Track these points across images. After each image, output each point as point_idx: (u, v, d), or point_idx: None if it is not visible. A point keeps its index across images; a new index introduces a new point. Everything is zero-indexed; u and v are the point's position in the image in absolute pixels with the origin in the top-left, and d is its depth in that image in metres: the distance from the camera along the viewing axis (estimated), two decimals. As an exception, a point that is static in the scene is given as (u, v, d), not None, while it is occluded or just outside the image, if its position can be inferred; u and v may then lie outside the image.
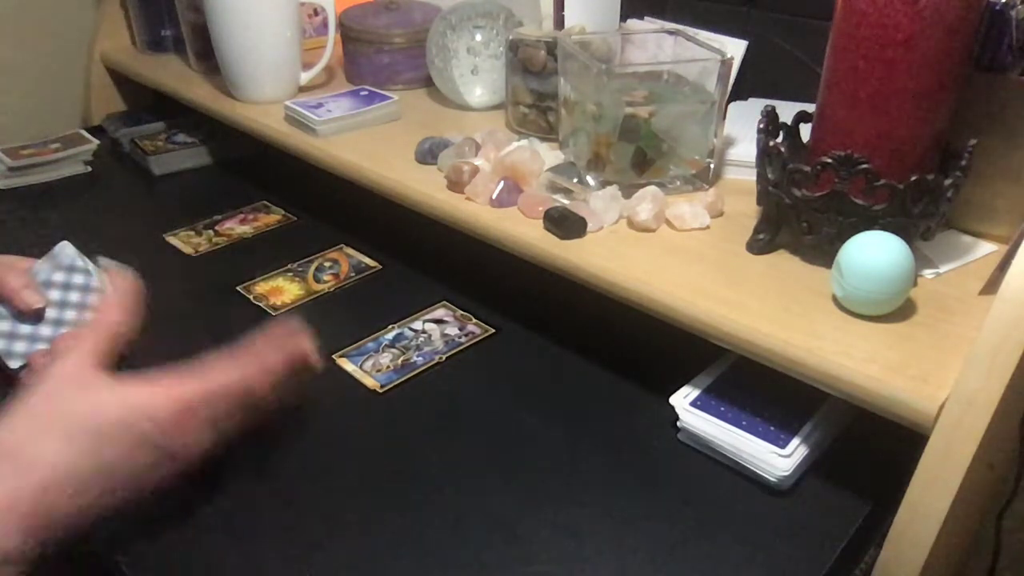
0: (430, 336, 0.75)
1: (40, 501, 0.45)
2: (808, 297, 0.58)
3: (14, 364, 0.64)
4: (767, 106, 0.64)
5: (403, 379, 0.69)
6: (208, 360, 0.53)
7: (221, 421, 0.52)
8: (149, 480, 0.49)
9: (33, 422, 0.47)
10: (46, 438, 0.47)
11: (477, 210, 0.71)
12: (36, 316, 0.65)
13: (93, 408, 0.48)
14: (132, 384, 0.50)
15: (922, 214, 0.57)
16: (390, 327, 0.76)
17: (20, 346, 0.64)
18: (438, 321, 0.77)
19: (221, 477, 0.58)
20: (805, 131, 0.65)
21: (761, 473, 0.57)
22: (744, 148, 0.74)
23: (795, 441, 0.58)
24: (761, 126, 0.63)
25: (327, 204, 0.95)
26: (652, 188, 0.68)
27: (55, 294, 0.65)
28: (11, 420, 0.47)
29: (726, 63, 0.69)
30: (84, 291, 0.66)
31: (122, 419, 0.48)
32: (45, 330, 0.65)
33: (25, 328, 0.65)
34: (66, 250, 0.67)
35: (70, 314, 0.65)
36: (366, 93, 0.92)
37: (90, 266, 0.67)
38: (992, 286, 0.53)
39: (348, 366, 0.70)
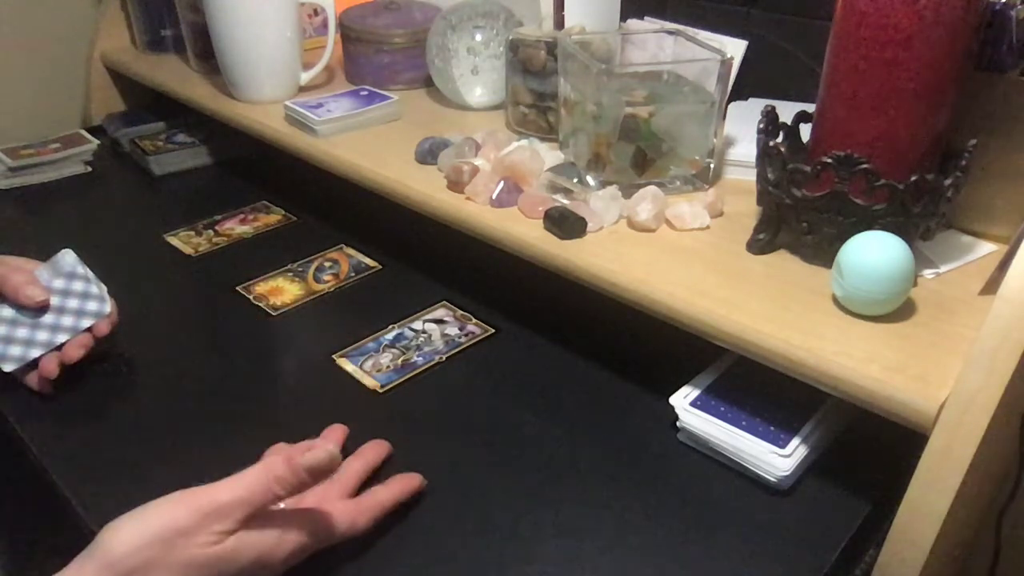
0: (430, 336, 0.75)
1: None
2: (808, 297, 0.58)
3: (8, 367, 0.64)
4: (767, 106, 0.64)
5: (403, 379, 0.69)
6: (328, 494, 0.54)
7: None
8: None
9: (156, 554, 0.44)
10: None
11: (477, 210, 0.71)
12: (38, 312, 0.65)
13: (220, 561, 0.46)
14: (261, 533, 0.48)
15: (922, 214, 0.57)
16: (390, 327, 0.76)
17: (15, 350, 0.64)
18: (438, 321, 0.77)
19: (220, 478, 0.58)
20: (805, 131, 0.65)
21: (761, 473, 0.57)
22: (744, 148, 0.74)
23: (795, 441, 0.58)
24: (761, 126, 0.63)
25: (327, 204, 0.95)
26: (652, 188, 0.68)
27: (54, 300, 0.66)
28: (135, 538, 0.44)
29: (726, 63, 0.69)
30: (83, 298, 0.66)
31: (248, 567, 0.47)
32: (42, 335, 0.65)
33: (21, 333, 0.65)
34: (67, 257, 0.67)
35: (67, 320, 0.65)
36: (366, 93, 0.92)
37: (90, 274, 0.67)
38: (992, 286, 0.53)
39: (348, 366, 0.70)
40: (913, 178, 0.56)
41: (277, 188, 1.02)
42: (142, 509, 0.45)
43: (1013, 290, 0.45)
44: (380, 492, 0.55)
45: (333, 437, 0.60)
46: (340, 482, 0.55)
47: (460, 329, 0.76)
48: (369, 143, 0.84)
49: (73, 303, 0.66)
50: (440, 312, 0.78)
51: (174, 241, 0.91)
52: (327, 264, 0.86)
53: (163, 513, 0.45)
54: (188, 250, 0.89)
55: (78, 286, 0.67)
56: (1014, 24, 0.58)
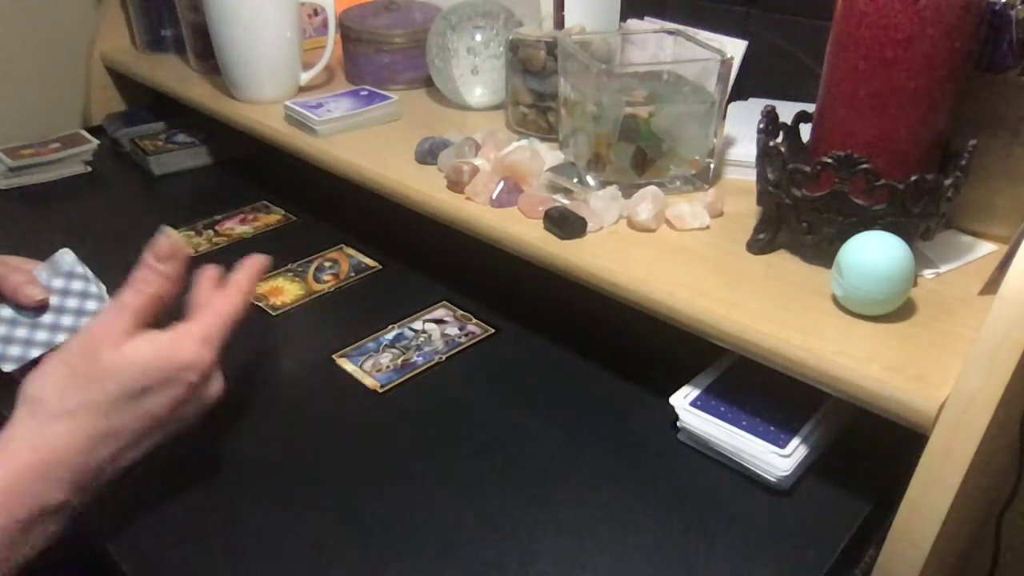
0: (430, 336, 0.75)
1: (88, 455, 0.49)
2: (808, 297, 0.58)
3: (7, 367, 0.64)
4: (767, 106, 0.64)
5: (403, 379, 0.69)
6: (199, 296, 0.59)
7: (222, 350, 0.56)
8: (183, 422, 0.54)
9: (76, 381, 0.49)
10: (90, 395, 0.49)
11: (477, 210, 0.71)
12: (37, 311, 0.65)
13: (127, 367, 0.50)
14: (157, 338, 0.53)
15: (922, 214, 0.57)
16: (390, 327, 0.76)
17: (15, 350, 0.64)
18: (438, 321, 0.77)
19: (221, 477, 0.58)
20: (805, 131, 0.65)
21: (761, 473, 0.57)
22: (744, 148, 0.74)
23: (795, 441, 0.58)
24: (761, 126, 0.63)
25: (327, 204, 0.95)
26: (652, 188, 0.68)
27: (53, 300, 0.66)
28: (54, 378, 0.50)
29: (726, 63, 0.69)
30: (82, 298, 0.66)
31: (154, 372, 0.51)
32: (41, 335, 0.65)
33: (21, 332, 0.64)
34: (66, 257, 0.67)
35: (67, 320, 0.65)
36: (366, 93, 0.92)
37: (89, 273, 0.67)
38: (992, 286, 0.53)
39: (348, 366, 0.70)
40: (913, 178, 0.56)
41: (277, 188, 1.02)
42: (47, 358, 0.51)
43: (1013, 290, 0.45)
44: (239, 273, 0.60)
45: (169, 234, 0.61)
46: (203, 280, 0.60)
47: (460, 329, 0.76)
48: (369, 143, 0.84)
49: (72, 303, 0.66)
50: (440, 312, 0.78)
51: (174, 241, 0.91)
52: (327, 264, 0.86)
53: (62, 350, 0.51)
54: (188, 250, 0.89)
55: (77, 285, 0.67)
56: (1014, 24, 0.58)
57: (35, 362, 0.65)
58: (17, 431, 0.48)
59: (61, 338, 0.65)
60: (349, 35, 0.98)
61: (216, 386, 0.56)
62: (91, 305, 0.66)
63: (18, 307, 0.65)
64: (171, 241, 0.55)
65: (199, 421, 0.55)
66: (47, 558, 0.49)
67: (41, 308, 0.65)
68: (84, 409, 0.49)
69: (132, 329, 0.52)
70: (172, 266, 0.55)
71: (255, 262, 0.62)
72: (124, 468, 0.52)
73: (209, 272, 0.61)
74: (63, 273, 0.66)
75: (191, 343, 0.53)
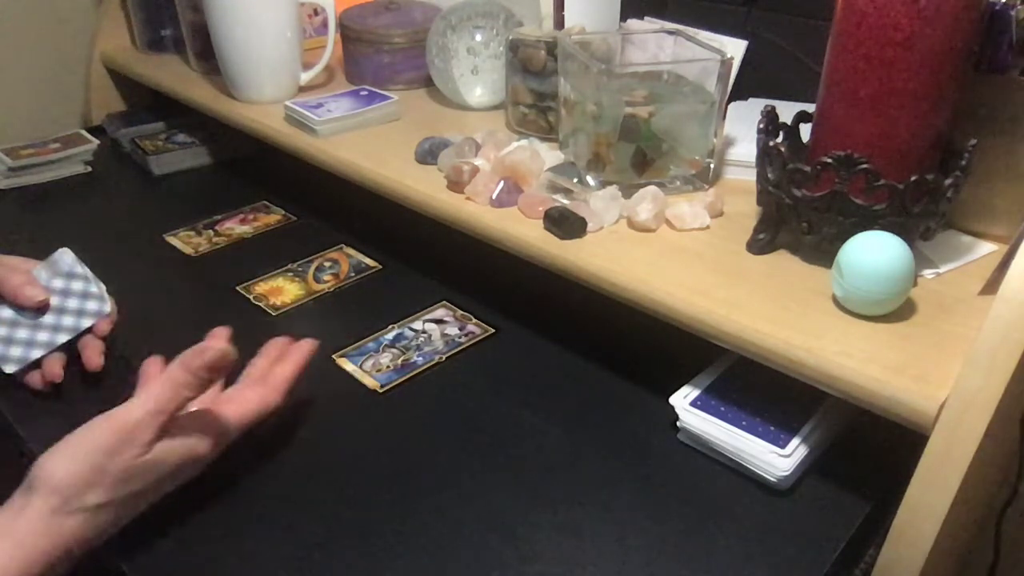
0: (430, 336, 0.75)
1: (104, 535, 0.51)
2: (808, 297, 0.58)
3: (9, 369, 0.64)
4: (767, 106, 0.64)
5: (403, 379, 0.69)
6: (239, 385, 0.61)
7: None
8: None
9: (101, 479, 0.49)
10: (114, 495, 0.50)
11: (477, 210, 0.71)
12: (38, 312, 0.65)
13: (157, 463, 0.52)
14: (182, 430, 0.54)
15: (922, 214, 0.57)
16: (390, 327, 0.76)
17: (16, 351, 0.64)
18: (438, 321, 0.77)
19: (221, 477, 0.58)
20: (805, 131, 0.65)
21: (761, 473, 0.57)
22: (744, 148, 0.74)
23: (795, 441, 0.58)
24: (761, 126, 0.63)
25: (327, 204, 0.95)
26: (652, 188, 0.68)
27: (54, 300, 0.66)
28: (76, 471, 0.49)
29: (726, 63, 0.69)
30: (83, 298, 0.66)
31: (180, 465, 0.53)
32: (42, 335, 0.65)
33: (22, 334, 0.65)
34: (65, 257, 0.67)
35: (68, 320, 0.65)
36: (366, 93, 0.92)
37: (89, 273, 0.67)
38: (992, 286, 0.53)
39: (348, 366, 0.70)
40: (913, 178, 0.56)
41: (277, 188, 1.02)
42: (67, 441, 0.50)
43: (1013, 290, 0.45)
44: (282, 367, 0.62)
45: (220, 335, 0.62)
46: (249, 375, 0.62)
47: (460, 329, 0.76)
48: (369, 143, 0.84)
49: (73, 303, 0.66)
50: (440, 312, 0.78)
51: (174, 241, 0.91)
52: (327, 264, 0.86)
53: (87, 440, 0.50)
54: (188, 250, 0.89)
55: (77, 286, 0.67)
56: (1014, 24, 0.58)
57: (36, 364, 0.65)
58: (34, 523, 0.48)
59: (62, 339, 0.65)
60: (349, 35, 0.98)
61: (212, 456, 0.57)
62: (92, 306, 0.66)
63: (18, 308, 0.65)
64: (224, 356, 0.53)
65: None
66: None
67: (42, 309, 0.65)
68: (109, 505, 0.50)
69: (163, 432, 0.52)
70: (215, 377, 0.54)
71: (302, 353, 0.64)
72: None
73: (260, 361, 0.63)
74: (63, 273, 0.66)
75: (212, 443, 0.55)
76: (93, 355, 0.67)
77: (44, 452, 0.50)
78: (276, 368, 0.62)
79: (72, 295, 0.66)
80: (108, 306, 0.68)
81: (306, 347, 0.64)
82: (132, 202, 1.03)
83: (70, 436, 0.50)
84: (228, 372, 0.56)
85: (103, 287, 0.69)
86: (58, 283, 0.66)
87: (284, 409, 0.61)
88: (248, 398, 0.59)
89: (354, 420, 0.65)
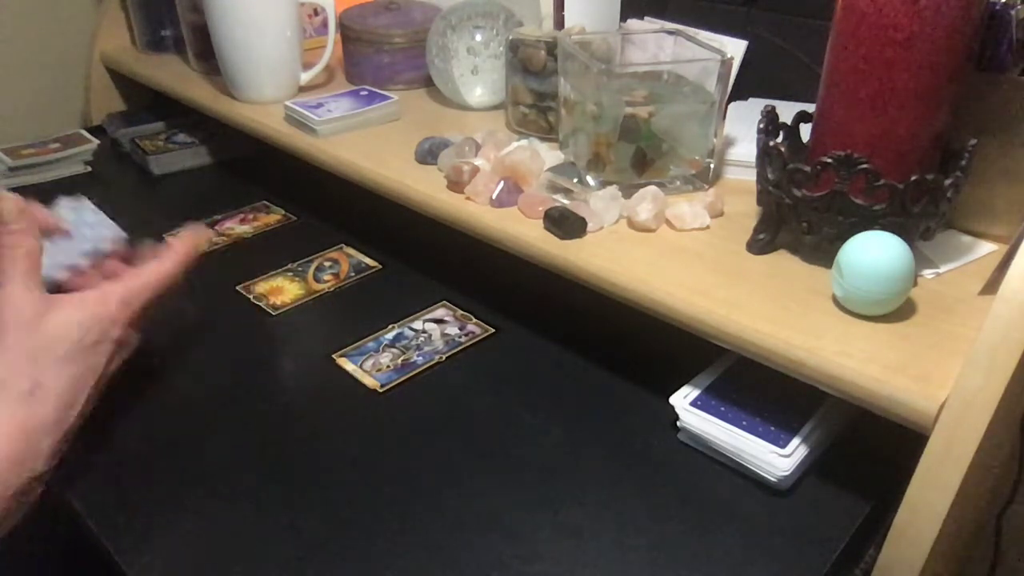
0: (430, 336, 0.75)
1: (61, 419, 0.52)
2: (808, 297, 0.58)
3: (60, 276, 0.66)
4: (767, 106, 0.64)
5: (403, 379, 0.69)
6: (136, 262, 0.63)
7: (150, 308, 0.61)
8: (108, 371, 0.57)
9: (28, 355, 0.52)
10: (47, 366, 0.52)
11: (477, 210, 0.71)
12: (52, 240, 0.67)
13: (66, 329, 0.54)
14: (83, 295, 0.56)
15: (922, 214, 0.57)
16: (390, 327, 0.76)
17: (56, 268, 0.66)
18: (438, 321, 0.77)
19: (221, 477, 0.59)
20: (805, 131, 0.65)
21: (761, 473, 0.57)
22: (744, 148, 0.74)
23: (795, 441, 0.58)
24: (761, 126, 0.63)
25: (327, 204, 0.95)
26: (652, 188, 0.68)
27: (68, 226, 0.68)
28: (3, 359, 0.51)
29: (726, 63, 0.69)
30: (95, 226, 0.70)
31: (91, 328, 0.55)
32: (61, 258, 0.67)
33: (45, 259, 0.66)
34: (67, 202, 0.70)
35: (86, 245, 0.68)
36: (366, 93, 0.92)
37: (101, 216, 0.71)
38: (992, 286, 0.53)
39: (348, 366, 0.70)
40: (913, 178, 0.56)
41: (277, 188, 1.02)
42: None
43: (1013, 290, 0.45)
44: (175, 241, 0.64)
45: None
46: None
47: (460, 329, 0.76)
48: (369, 143, 0.84)
49: (88, 230, 0.69)
50: (440, 312, 0.78)
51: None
52: (327, 264, 0.86)
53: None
54: (29, 206, 0.88)
55: (89, 218, 0.70)
56: (1014, 24, 0.58)
57: (58, 287, 0.66)
58: None
59: (83, 261, 0.66)
60: (349, 35, 0.98)
61: (133, 342, 0.60)
62: (107, 232, 0.70)
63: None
64: (8, 204, 0.55)
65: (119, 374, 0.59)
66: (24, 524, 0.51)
67: (55, 237, 0.67)
68: (48, 379, 0.52)
69: (40, 292, 0.54)
70: (25, 221, 0.56)
71: (193, 235, 0.66)
72: (79, 424, 0.55)
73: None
74: (72, 207, 0.70)
75: (114, 302, 0.57)
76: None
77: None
78: (170, 241, 0.65)
79: (85, 224, 0.69)
80: (123, 234, 0.71)
81: (199, 232, 0.67)
82: (132, 202, 1.03)
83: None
84: (25, 210, 0.57)
85: (115, 227, 0.71)
86: (70, 215, 0.69)
87: (280, 398, 0.61)
88: (145, 268, 0.61)
89: (354, 420, 0.65)
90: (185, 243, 0.64)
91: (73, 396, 0.53)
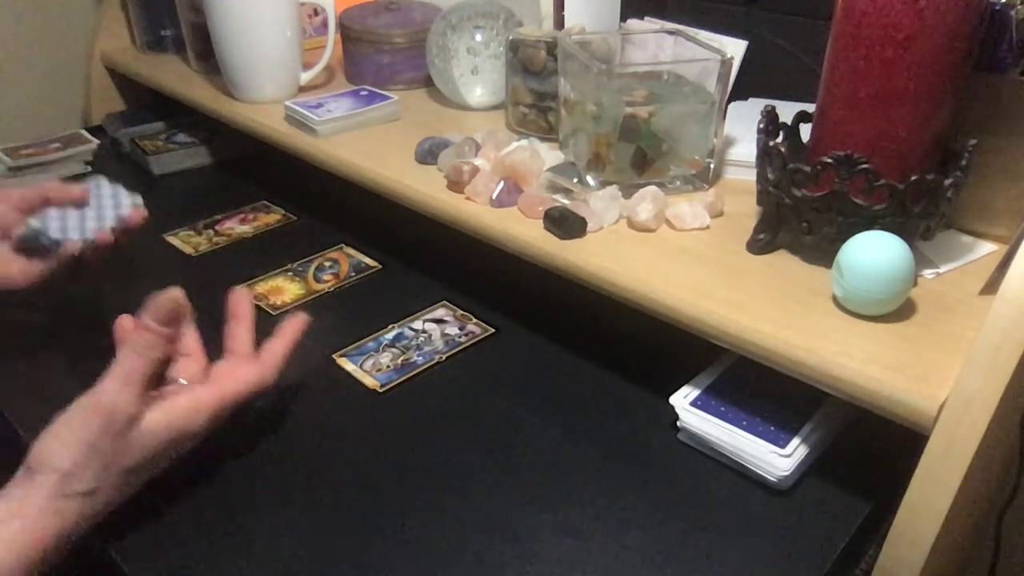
0: (430, 336, 0.75)
1: (95, 517, 0.51)
2: (808, 297, 0.58)
3: (75, 238, 0.71)
4: (767, 106, 0.64)
5: (403, 379, 0.69)
6: (230, 362, 0.61)
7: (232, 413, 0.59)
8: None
9: (99, 459, 0.50)
10: (113, 473, 0.51)
11: (477, 210, 0.71)
12: (80, 205, 0.73)
13: (149, 439, 0.52)
14: (172, 404, 0.54)
15: (922, 214, 0.57)
16: (390, 327, 0.76)
17: (74, 233, 0.71)
18: (438, 321, 0.77)
19: (221, 476, 0.58)
20: (805, 131, 0.65)
21: (761, 473, 0.57)
22: (744, 148, 0.74)
23: (795, 441, 0.58)
24: (761, 126, 0.63)
25: (327, 204, 0.95)
26: (652, 188, 0.68)
27: (91, 200, 0.74)
28: (73, 453, 0.49)
29: (726, 63, 0.69)
30: (114, 196, 0.75)
31: (173, 440, 0.54)
32: (89, 223, 0.73)
33: (72, 222, 0.72)
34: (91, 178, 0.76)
35: (108, 212, 0.73)
36: (366, 93, 0.92)
37: (118, 187, 0.75)
38: (992, 286, 0.53)
39: (348, 366, 0.70)
40: (913, 178, 0.56)
41: (277, 188, 1.02)
42: (59, 424, 0.50)
43: (1013, 290, 0.45)
44: (273, 344, 0.62)
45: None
46: (235, 349, 0.62)
47: (460, 329, 0.76)
48: (369, 143, 0.84)
49: (108, 200, 0.74)
50: (440, 312, 0.78)
51: (174, 241, 0.91)
52: (327, 264, 0.86)
53: (75, 424, 0.50)
54: (188, 250, 0.89)
55: (106, 190, 0.75)
56: (1014, 24, 0.58)
57: (93, 244, 0.71)
58: (40, 503, 0.48)
59: (109, 223, 0.73)
60: (349, 35, 0.98)
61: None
62: (125, 199, 0.75)
63: (60, 207, 0.73)
64: (173, 304, 0.54)
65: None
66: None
67: (82, 205, 0.73)
68: (108, 486, 0.51)
69: (144, 398, 0.52)
70: (174, 328, 0.54)
71: (292, 328, 0.63)
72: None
73: (240, 330, 0.62)
74: (90, 183, 0.75)
75: (205, 416, 0.55)
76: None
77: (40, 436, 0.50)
78: (269, 344, 0.62)
79: (104, 196, 0.74)
80: (140, 200, 0.75)
81: (298, 324, 0.64)
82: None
83: (61, 419, 0.51)
84: (184, 320, 0.57)
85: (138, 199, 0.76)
86: (90, 188, 0.74)
87: (282, 398, 0.61)
88: (241, 374, 0.59)
89: (354, 420, 0.65)
90: (286, 341, 0.62)
91: (121, 497, 0.52)
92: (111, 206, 0.74)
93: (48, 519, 0.48)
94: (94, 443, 0.50)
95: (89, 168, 1.06)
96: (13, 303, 0.73)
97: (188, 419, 0.54)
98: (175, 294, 0.54)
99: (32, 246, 0.72)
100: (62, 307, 0.75)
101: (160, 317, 0.53)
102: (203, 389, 0.56)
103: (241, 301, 0.64)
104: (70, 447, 0.49)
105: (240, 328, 0.63)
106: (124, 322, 0.60)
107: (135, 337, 0.53)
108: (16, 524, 0.47)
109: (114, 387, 0.51)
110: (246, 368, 0.60)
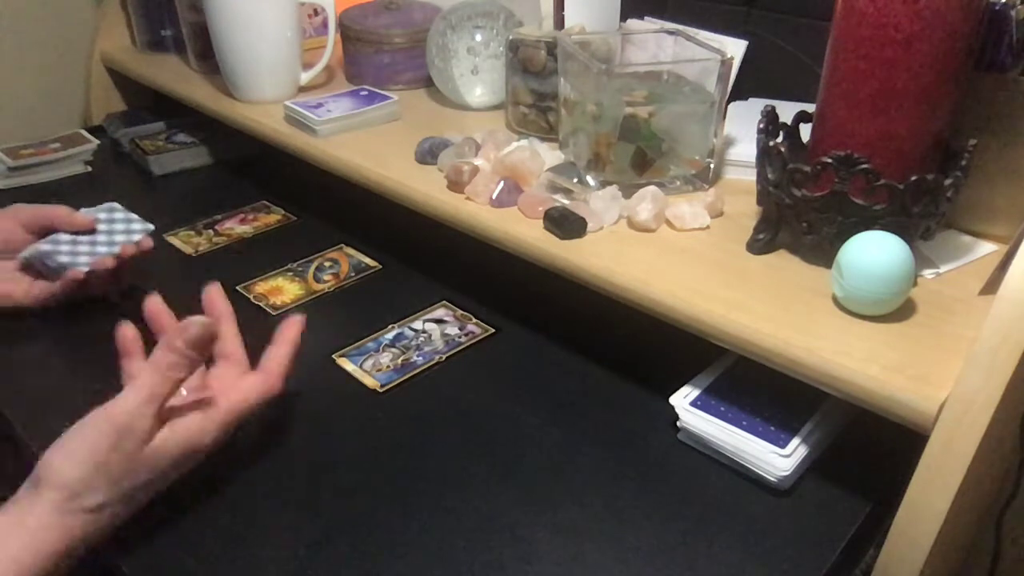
0: (430, 336, 0.75)
1: (110, 529, 0.51)
2: (808, 297, 0.58)
3: (83, 267, 0.73)
4: (767, 106, 0.64)
5: (403, 379, 0.69)
6: (226, 368, 0.60)
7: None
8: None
9: (107, 475, 0.50)
10: (121, 489, 0.50)
11: (477, 210, 0.71)
12: (88, 232, 0.75)
13: (160, 458, 0.52)
14: (182, 422, 0.54)
15: (922, 214, 0.57)
16: (390, 327, 0.76)
17: (83, 258, 0.73)
18: (438, 321, 0.77)
19: (220, 476, 0.58)
20: (805, 131, 0.65)
21: (761, 473, 0.57)
22: (744, 148, 0.74)
23: (795, 441, 0.58)
24: (761, 126, 0.63)
25: (327, 204, 0.95)
26: (652, 188, 0.68)
27: (101, 226, 0.76)
28: (82, 469, 0.49)
29: (726, 63, 0.69)
30: (127, 222, 0.77)
31: (184, 456, 0.54)
32: (100, 248, 0.74)
33: (82, 247, 0.74)
34: (106, 204, 0.78)
35: (119, 237, 0.75)
36: (366, 93, 0.92)
37: (131, 215, 0.78)
38: (992, 286, 0.53)
39: (348, 366, 0.70)
40: (913, 178, 0.56)
41: (277, 188, 1.02)
42: (68, 437, 0.50)
43: (1013, 290, 0.45)
44: (275, 351, 0.61)
45: (215, 294, 0.64)
46: (234, 362, 0.61)
47: (460, 329, 0.76)
48: (369, 143, 0.84)
49: (119, 226, 0.76)
50: (440, 312, 0.78)
51: (174, 241, 0.91)
52: (327, 264, 0.86)
53: (87, 438, 0.50)
54: (188, 250, 0.89)
55: (119, 215, 0.77)
56: (1014, 24, 0.58)
57: (96, 272, 0.73)
58: (45, 517, 0.48)
59: (117, 248, 0.75)
60: (349, 35, 0.98)
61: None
62: (137, 226, 0.77)
63: (72, 233, 0.75)
64: (204, 330, 0.53)
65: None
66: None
67: (92, 231, 0.75)
68: (116, 503, 0.50)
69: (159, 417, 0.52)
70: (199, 354, 0.53)
71: (292, 333, 0.62)
72: None
73: (224, 330, 0.62)
74: (104, 210, 0.77)
75: (214, 432, 0.55)
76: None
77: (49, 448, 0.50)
78: (271, 352, 0.61)
79: (117, 222, 0.76)
80: (151, 227, 0.77)
81: (296, 326, 0.62)
82: (132, 202, 1.02)
83: (71, 432, 0.50)
84: (213, 345, 0.57)
85: (148, 226, 0.77)
86: (102, 215, 0.76)
87: (282, 399, 0.61)
88: (248, 385, 0.58)
89: (354, 420, 0.65)
90: (287, 347, 0.61)
91: (128, 513, 0.52)
92: (122, 232, 0.75)
93: (53, 535, 0.48)
94: (104, 460, 0.49)
95: (89, 168, 1.06)
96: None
97: (198, 437, 0.54)
98: (208, 322, 0.53)
99: (36, 268, 0.73)
100: (62, 307, 0.75)
101: (191, 341, 0.52)
102: (212, 403, 0.56)
103: (215, 300, 0.63)
104: (79, 463, 0.49)
105: (224, 328, 0.62)
106: (126, 330, 0.60)
107: (161, 357, 0.52)
108: (18, 539, 0.47)
109: (131, 405, 0.50)
110: (252, 379, 0.59)
